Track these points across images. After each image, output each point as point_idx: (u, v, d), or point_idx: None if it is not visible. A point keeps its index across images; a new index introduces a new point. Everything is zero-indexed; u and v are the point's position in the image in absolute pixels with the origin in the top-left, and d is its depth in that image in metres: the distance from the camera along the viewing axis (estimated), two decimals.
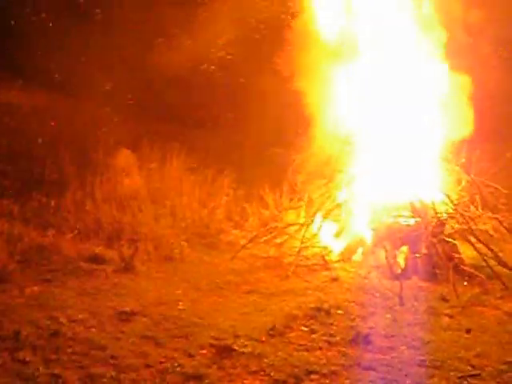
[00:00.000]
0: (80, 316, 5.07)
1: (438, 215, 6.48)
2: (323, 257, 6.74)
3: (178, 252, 6.83)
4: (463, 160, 6.79)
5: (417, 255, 6.46)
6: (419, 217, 6.48)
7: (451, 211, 6.48)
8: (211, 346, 4.57)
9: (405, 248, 6.52)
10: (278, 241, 7.36)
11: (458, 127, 6.54)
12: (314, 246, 6.97)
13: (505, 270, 6.29)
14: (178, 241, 7.09)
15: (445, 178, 6.78)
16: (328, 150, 7.70)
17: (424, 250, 6.33)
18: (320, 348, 4.63)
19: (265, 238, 7.33)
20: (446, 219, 6.49)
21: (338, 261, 6.74)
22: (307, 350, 4.58)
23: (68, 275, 6.06)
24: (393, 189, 6.84)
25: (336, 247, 6.98)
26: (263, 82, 10.58)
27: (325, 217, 7.22)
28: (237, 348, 4.52)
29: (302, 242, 7.01)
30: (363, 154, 7.07)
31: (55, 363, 4.29)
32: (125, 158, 8.94)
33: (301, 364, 4.32)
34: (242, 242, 7.32)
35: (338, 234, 7.21)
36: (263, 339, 4.73)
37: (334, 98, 7.49)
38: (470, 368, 4.33)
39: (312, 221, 7.40)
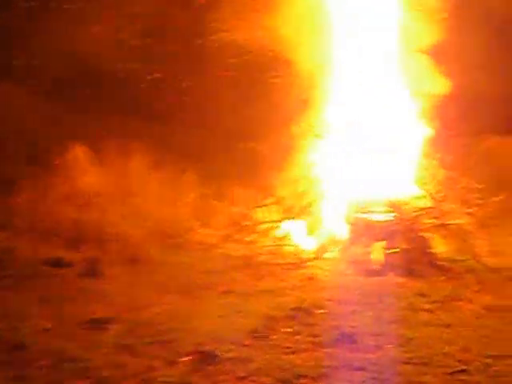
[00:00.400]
0: (46, 325, 4.77)
1: (415, 210, 6.40)
2: (297, 255, 6.60)
3: (146, 253, 6.58)
4: (438, 155, 6.73)
5: (393, 251, 6.40)
6: (396, 212, 6.38)
7: (428, 206, 6.40)
8: (192, 352, 4.33)
9: (381, 244, 6.43)
10: (248, 239, 7.19)
11: (432, 120, 6.47)
12: (287, 245, 6.83)
13: (479, 264, 6.26)
14: (145, 241, 6.84)
15: (420, 173, 6.68)
16: (299, 144, 7.57)
17: (402, 246, 6.24)
18: (306, 350, 4.46)
19: (236, 236, 7.15)
20: (422, 214, 6.40)
21: (312, 259, 6.60)
22: (293, 353, 4.40)
23: (27, 280, 5.71)
24: (367, 184, 6.73)
25: (309, 245, 6.84)
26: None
27: (297, 214, 7.07)
28: (220, 353, 4.29)
29: (274, 241, 6.87)
30: (336, 148, 6.93)
31: (21, 381, 3.89)
32: (82, 154, 8.60)
33: (289, 367, 4.13)
34: (212, 240, 7.14)
35: (310, 232, 7.08)
36: (246, 343, 4.53)
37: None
38: (457, 363, 4.22)
39: (284, 219, 7.26)
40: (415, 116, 6.70)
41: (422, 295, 5.71)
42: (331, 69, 7.18)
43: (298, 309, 5.18)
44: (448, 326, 4.97)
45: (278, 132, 8.65)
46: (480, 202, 6.81)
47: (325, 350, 4.44)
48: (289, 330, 4.83)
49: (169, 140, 9.80)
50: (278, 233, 7.18)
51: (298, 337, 4.70)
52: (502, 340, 4.70)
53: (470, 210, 6.60)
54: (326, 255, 6.73)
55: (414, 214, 6.50)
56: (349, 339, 4.62)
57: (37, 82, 10.58)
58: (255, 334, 4.67)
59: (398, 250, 6.37)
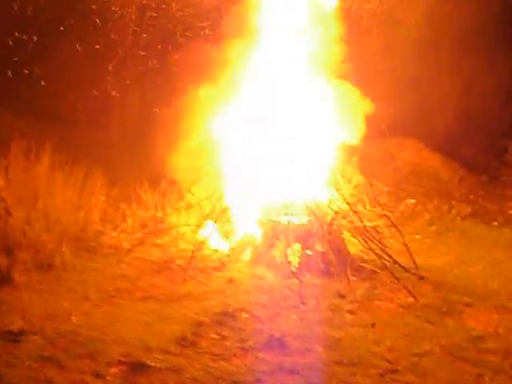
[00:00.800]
0: None
1: (330, 213, 6.52)
2: (215, 258, 6.53)
3: (59, 259, 6.27)
4: (354, 159, 6.89)
5: (308, 252, 6.48)
6: (311, 215, 6.46)
7: (343, 209, 6.53)
8: (121, 362, 4.19)
9: (297, 246, 6.49)
10: (163, 243, 7.04)
11: (347, 126, 6.61)
12: (203, 248, 6.71)
13: (392, 264, 6.46)
14: (56, 247, 6.51)
15: (335, 176, 6.81)
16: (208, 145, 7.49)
17: (318, 247, 6.33)
18: (236, 355, 4.43)
19: (150, 240, 6.98)
20: (337, 217, 6.53)
21: (230, 262, 6.54)
22: (224, 359, 4.35)
23: None
24: (283, 187, 6.77)
25: (225, 248, 6.79)
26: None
27: (211, 217, 7.00)
28: (150, 362, 4.18)
29: (194, 244, 6.77)
30: (251, 151, 6.92)
31: None
32: None
33: (222, 374, 4.10)
34: (124, 245, 6.92)
35: (225, 235, 7.02)
36: (175, 351, 4.43)
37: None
38: (386, 363, 4.35)
39: (198, 222, 7.18)
40: (331, 123, 6.79)
41: (341, 296, 5.82)
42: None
43: (223, 313, 5.13)
44: (372, 325, 5.11)
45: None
46: (391, 204, 7.04)
47: (255, 355, 4.44)
48: (216, 335, 4.78)
49: (73, 141, 9.44)
50: (193, 236, 7.06)
51: (226, 342, 4.67)
52: (423, 338, 4.90)
53: (384, 213, 6.78)
54: (244, 258, 6.71)
55: (329, 216, 6.60)
56: (277, 343, 4.64)
57: None
58: (183, 342, 4.58)
59: (313, 252, 6.45)
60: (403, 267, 6.44)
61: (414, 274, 6.44)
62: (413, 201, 7.19)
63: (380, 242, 6.44)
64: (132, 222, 7.65)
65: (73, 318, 5.00)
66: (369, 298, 5.82)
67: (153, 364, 4.16)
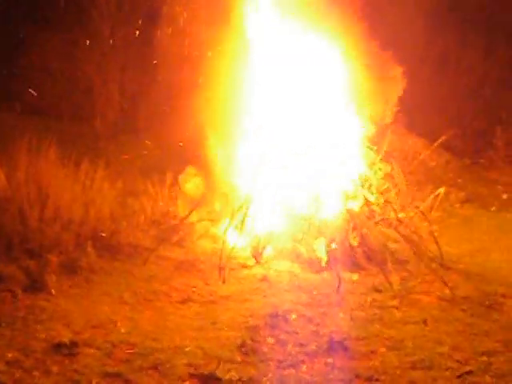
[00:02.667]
0: (9, 355, 4.18)
1: (356, 205, 6.43)
2: (240, 256, 6.36)
3: (83, 260, 6.01)
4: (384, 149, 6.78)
5: (334, 246, 6.38)
6: (337, 208, 6.36)
7: (369, 201, 6.45)
8: (192, 376, 4.01)
9: (323, 239, 6.39)
10: (183, 241, 6.81)
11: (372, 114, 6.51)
12: (226, 246, 6.46)
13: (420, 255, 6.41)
14: (76, 246, 6.24)
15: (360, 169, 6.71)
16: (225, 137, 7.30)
17: (348, 241, 6.25)
18: (303, 361, 4.30)
19: (169, 238, 6.76)
20: (362, 209, 6.45)
21: (257, 259, 6.40)
22: (292, 366, 4.22)
23: None
24: (305, 182, 6.63)
25: (249, 245, 6.60)
26: None
27: (230, 213, 6.79)
28: (221, 375, 4.01)
29: (211, 242, 6.61)
30: (275, 142, 6.75)
31: None
32: None
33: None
34: (145, 243, 6.69)
35: (247, 231, 6.79)
36: (239, 359, 4.28)
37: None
38: (458, 364, 4.29)
39: (215, 218, 7.00)
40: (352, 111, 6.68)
41: (378, 291, 5.74)
42: None
43: (273, 315, 5.00)
44: (423, 322, 5.04)
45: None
46: (420, 194, 6.98)
47: (324, 361, 4.32)
48: (273, 340, 4.64)
49: (62, 136, 9.11)
50: (213, 233, 6.88)
51: (286, 347, 4.52)
52: (480, 334, 4.84)
53: (417, 206, 6.70)
54: (267, 254, 6.55)
55: (355, 209, 6.51)
56: (339, 346, 4.54)
57: None
58: (244, 349, 4.42)
59: (339, 245, 6.35)
60: (431, 258, 6.41)
61: (441, 265, 6.42)
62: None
63: (414, 233, 6.37)
64: (144, 218, 7.39)
65: (118, 324, 4.79)
66: (406, 291, 5.77)
67: (225, 376, 4.00)
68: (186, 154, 9.21)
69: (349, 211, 6.36)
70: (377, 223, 6.33)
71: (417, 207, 6.56)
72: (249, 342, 4.51)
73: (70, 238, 6.33)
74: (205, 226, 7.07)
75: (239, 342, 4.49)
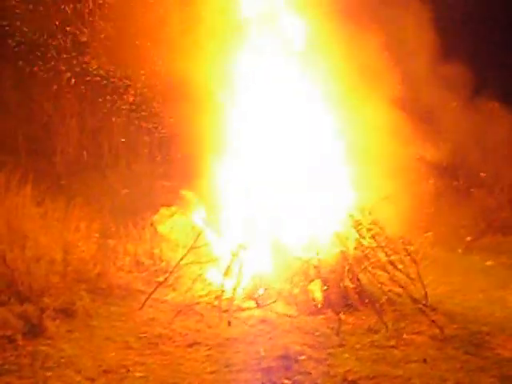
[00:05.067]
0: None
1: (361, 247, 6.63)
2: (236, 299, 6.41)
3: (78, 303, 5.95)
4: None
5: (325, 288, 6.54)
6: (336, 249, 6.55)
7: (359, 243, 6.68)
8: None
9: (316, 282, 6.54)
10: (175, 283, 6.83)
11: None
12: (220, 289, 6.53)
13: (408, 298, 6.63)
14: (68, 290, 6.18)
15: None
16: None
17: (342, 282, 6.42)
18: None
19: (159, 280, 6.77)
20: (354, 251, 6.66)
21: (253, 301, 6.48)
22: None
23: None
24: (294, 225, 6.81)
25: (243, 287, 6.66)
26: None
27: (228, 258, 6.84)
28: None
29: (205, 285, 6.66)
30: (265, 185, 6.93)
31: None
32: None
33: None
34: (136, 285, 6.70)
35: (227, 274, 6.81)
36: None
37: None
38: None
39: (204, 260, 7.05)
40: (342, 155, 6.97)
41: (375, 331, 5.93)
42: None
43: (283, 357, 5.10)
44: (423, 361, 5.26)
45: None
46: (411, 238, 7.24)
47: None
48: (290, 381, 4.73)
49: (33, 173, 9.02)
50: (204, 276, 6.93)
51: None
52: (476, 371, 5.12)
53: (405, 246, 6.95)
54: (258, 296, 6.64)
55: (349, 251, 6.71)
56: None
57: None
58: None
59: (331, 287, 6.50)
60: (417, 299, 6.65)
61: (426, 306, 6.67)
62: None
63: (395, 275, 6.61)
64: (130, 259, 7.39)
65: (131, 369, 4.78)
66: (399, 331, 5.97)
67: None
68: (156, 193, 9.34)
69: (343, 253, 6.54)
70: (370, 265, 6.55)
71: (406, 250, 6.80)
72: (267, 383, 4.58)
73: (58, 281, 6.26)
74: (194, 269, 7.11)
75: (259, 383, 4.55)
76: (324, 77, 7.21)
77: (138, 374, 4.71)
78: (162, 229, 8.10)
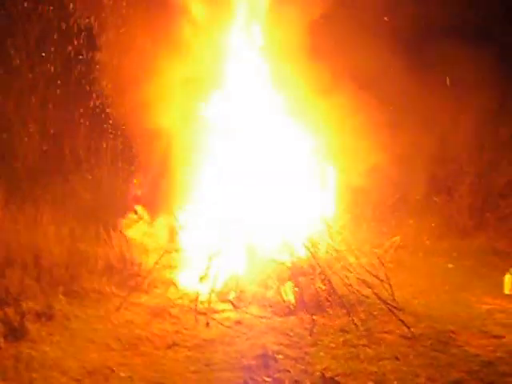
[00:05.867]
0: None
1: (319, 250, 6.84)
2: (211, 301, 6.52)
3: (56, 307, 5.98)
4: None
5: (296, 290, 6.72)
6: (308, 252, 6.74)
7: (331, 246, 6.89)
8: None
9: (290, 284, 6.72)
10: (147, 287, 6.91)
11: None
12: (193, 292, 6.61)
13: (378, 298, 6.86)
14: (43, 293, 6.20)
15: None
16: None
17: (313, 284, 6.61)
18: None
19: (131, 284, 6.84)
20: (325, 254, 6.87)
21: (227, 304, 6.60)
22: None
23: None
24: (269, 228, 6.98)
25: (217, 291, 6.77)
26: None
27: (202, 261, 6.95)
28: None
29: (177, 288, 6.74)
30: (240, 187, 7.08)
31: None
32: None
33: None
34: (110, 289, 6.75)
35: (203, 278, 6.93)
36: None
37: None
38: None
39: (173, 264, 7.15)
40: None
41: (346, 331, 6.13)
42: None
43: (262, 356, 5.25)
44: (396, 358, 5.48)
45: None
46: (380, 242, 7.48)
47: None
48: (269, 378, 4.88)
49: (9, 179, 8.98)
50: (176, 278, 7.03)
51: None
52: (445, 366, 5.35)
53: (371, 250, 7.20)
54: (230, 298, 6.76)
55: (318, 254, 6.90)
56: (332, 382, 4.85)
57: None
58: None
59: (303, 289, 6.67)
60: (383, 300, 6.89)
61: (394, 306, 6.91)
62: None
63: (366, 278, 6.84)
64: (102, 263, 7.42)
65: (115, 370, 4.86)
66: (370, 331, 6.19)
67: None
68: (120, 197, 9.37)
69: (315, 256, 6.73)
70: (341, 268, 6.76)
71: (375, 253, 7.04)
72: (249, 381, 4.73)
73: (33, 284, 6.29)
74: (166, 272, 7.20)
75: (241, 381, 4.70)
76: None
77: (122, 374, 4.79)
78: (130, 233, 8.16)
